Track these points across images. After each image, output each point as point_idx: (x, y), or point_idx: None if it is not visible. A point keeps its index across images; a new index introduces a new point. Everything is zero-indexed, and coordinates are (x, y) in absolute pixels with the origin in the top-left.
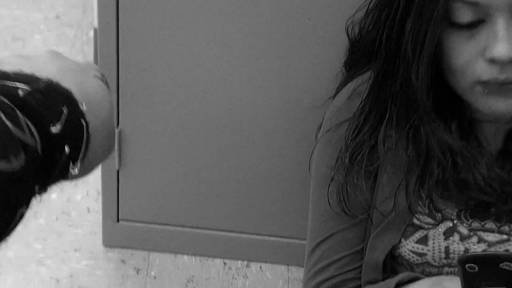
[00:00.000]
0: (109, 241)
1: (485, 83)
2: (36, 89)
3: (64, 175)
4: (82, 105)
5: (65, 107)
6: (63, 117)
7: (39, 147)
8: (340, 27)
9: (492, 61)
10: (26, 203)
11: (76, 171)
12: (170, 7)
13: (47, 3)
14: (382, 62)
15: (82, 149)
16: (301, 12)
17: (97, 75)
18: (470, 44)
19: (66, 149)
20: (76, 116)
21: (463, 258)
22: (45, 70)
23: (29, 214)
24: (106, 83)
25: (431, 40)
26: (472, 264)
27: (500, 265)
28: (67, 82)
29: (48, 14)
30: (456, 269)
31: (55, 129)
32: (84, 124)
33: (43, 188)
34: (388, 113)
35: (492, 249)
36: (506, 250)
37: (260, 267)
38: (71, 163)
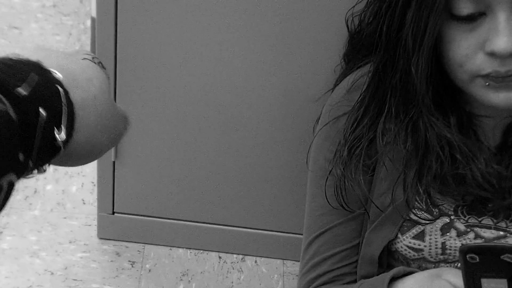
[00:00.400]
0: (104, 234)
1: (486, 76)
2: (0, 61)
3: (51, 142)
4: (56, 73)
5: (34, 74)
6: (31, 80)
7: (10, 111)
8: (339, 19)
9: (492, 54)
10: (11, 170)
11: (62, 136)
12: None
13: None
14: (382, 53)
15: (64, 114)
16: (300, 3)
17: (87, 57)
18: (470, 37)
19: (42, 111)
20: (48, 81)
21: (465, 248)
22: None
23: (24, 205)
24: (100, 64)
25: (431, 32)
26: (474, 255)
27: (502, 256)
28: (47, 62)
29: (45, 3)
30: (453, 265)
31: (22, 90)
32: (59, 89)
33: (29, 157)
34: (387, 106)
35: (490, 237)
36: (504, 237)
37: (255, 261)
38: (55, 129)
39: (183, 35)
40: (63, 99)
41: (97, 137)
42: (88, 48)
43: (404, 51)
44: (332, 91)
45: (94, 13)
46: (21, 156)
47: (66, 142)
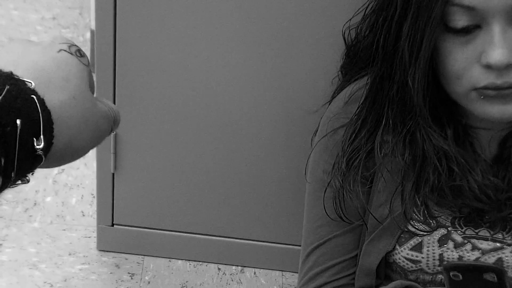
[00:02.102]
0: (104, 245)
1: (481, 90)
2: None
3: (31, 153)
4: (31, 83)
5: (7, 86)
6: (3, 92)
7: None
8: (336, 32)
9: (488, 66)
10: None
11: (41, 146)
12: (168, 10)
13: (43, 4)
14: (379, 66)
15: (42, 124)
16: (297, 16)
17: (63, 48)
18: (466, 50)
19: (18, 122)
20: (21, 91)
21: (448, 266)
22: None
23: (24, 217)
24: (77, 53)
25: (427, 44)
26: (457, 273)
27: (484, 275)
28: (21, 65)
29: (44, 15)
30: None
31: None
32: (35, 99)
33: (12, 168)
34: (384, 118)
35: (481, 259)
36: (501, 249)
37: (254, 273)
38: (34, 139)
39: (182, 49)
40: (39, 109)
41: (78, 138)
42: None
43: (400, 63)
44: (329, 103)
45: (93, 26)
46: (2, 162)
47: (46, 150)
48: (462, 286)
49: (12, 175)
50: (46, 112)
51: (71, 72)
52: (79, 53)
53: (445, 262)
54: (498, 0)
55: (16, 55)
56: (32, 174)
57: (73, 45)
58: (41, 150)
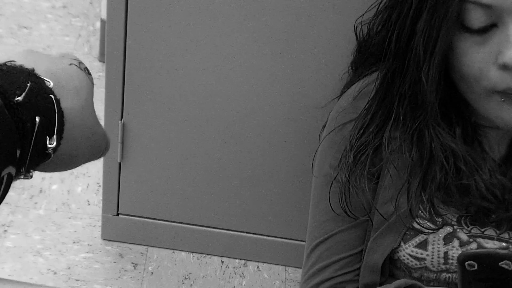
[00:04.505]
0: (108, 235)
1: (502, 93)
2: None
3: (42, 150)
4: (50, 82)
5: (29, 82)
6: (29, 90)
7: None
8: (348, 27)
9: (505, 67)
10: (10, 164)
11: (53, 145)
12: (179, 1)
13: None
14: (391, 62)
15: (56, 124)
16: (308, 11)
17: (74, 63)
18: (482, 49)
19: (37, 119)
20: (41, 89)
21: (463, 256)
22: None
23: (29, 204)
24: (86, 70)
25: (443, 41)
26: (472, 262)
27: (500, 263)
28: (37, 68)
29: (55, 3)
30: (454, 275)
31: (20, 99)
32: (53, 98)
33: (24, 161)
34: (394, 114)
35: (492, 247)
36: (507, 249)
37: (258, 267)
38: (47, 138)
39: (193, 39)
40: (56, 109)
41: (79, 148)
42: (96, 49)
43: (414, 59)
44: (338, 98)
45: (104, 15)
46: (17, 153)
47: (54, 150)
48: (477, 275)
49: (22, 170)
50: (61, 113)
51: (82, 85)
52: (87, 71)
53: (452, 257)
54: None
55: (31, 58)
56: (34, 170)
57: (82, 62)
58: (51, 149)
